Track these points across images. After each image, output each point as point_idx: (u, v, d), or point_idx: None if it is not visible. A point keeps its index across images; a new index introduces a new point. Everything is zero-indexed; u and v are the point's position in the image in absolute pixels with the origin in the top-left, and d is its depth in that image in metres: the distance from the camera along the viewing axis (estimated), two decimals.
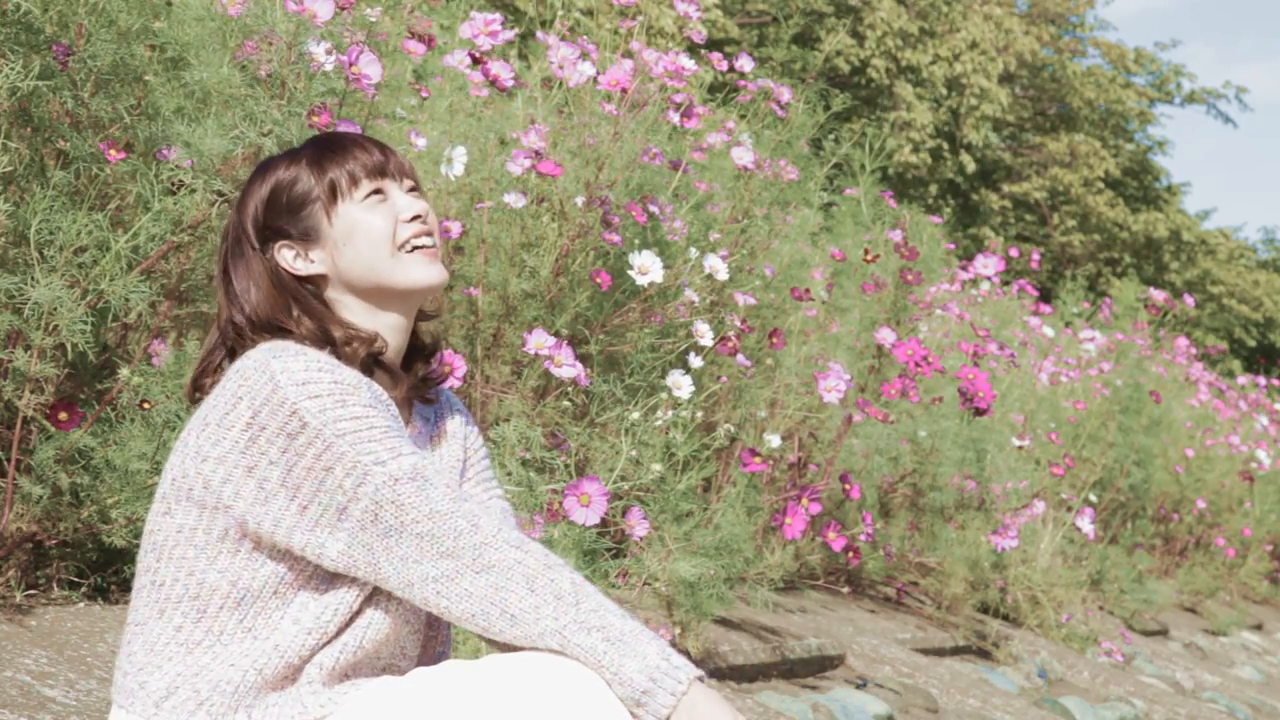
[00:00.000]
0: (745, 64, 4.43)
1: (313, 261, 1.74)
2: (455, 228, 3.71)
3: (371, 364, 1.72)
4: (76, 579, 3.02)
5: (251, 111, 3.00)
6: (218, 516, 1.63)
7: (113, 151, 2.90)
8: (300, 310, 1.72)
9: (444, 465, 1.83)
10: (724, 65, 4.45)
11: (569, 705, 1.51)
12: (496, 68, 3.74)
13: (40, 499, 2.83)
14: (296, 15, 2.99)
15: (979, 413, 4.87)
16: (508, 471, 3.22)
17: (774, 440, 4.16)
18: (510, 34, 3.78)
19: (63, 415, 2.81)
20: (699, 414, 3.61)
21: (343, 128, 3.07)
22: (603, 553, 3.36)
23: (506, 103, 4.52)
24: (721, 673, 3.93)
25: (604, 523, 3.12)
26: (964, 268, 8.38)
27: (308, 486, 1.59)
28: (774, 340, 4.37)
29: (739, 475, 3.94)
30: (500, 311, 4.00)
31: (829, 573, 5.73)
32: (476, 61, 3.86)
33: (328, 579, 1.65)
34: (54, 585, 2.99)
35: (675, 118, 4.05)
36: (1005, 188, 20.78)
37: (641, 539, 3.33)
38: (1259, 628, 9.91)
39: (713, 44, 14.80)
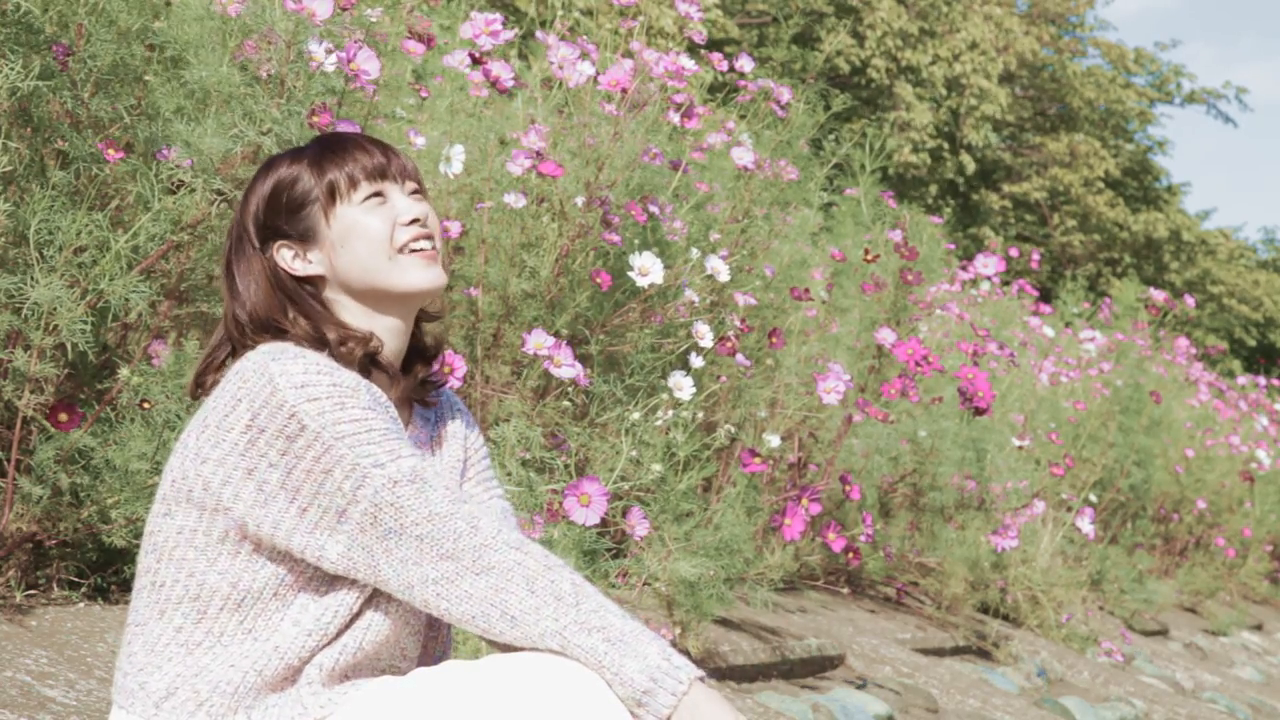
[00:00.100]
0: (745, 64, 4.43)
1: (310, 262, 1.74)
2: (455, 228, 3.71)
3: (369, 365, 1.72)
4: (76, 579, 3.02)
5: (251, 110, 3.00)
6: (218, 518, 1.63)
7: (112, 151, 2.90)
8: (296, 311, 1.72)
9: (444, 466, 1.83)
10: (724, 65, 4.44)
11: (569, 705, 1.51)
12: (497, 68, 3.74)
13: (40, 499, 2.83)
14: (295, 14, 2.99)
15: (979, 412, 4.87)
16: (508, 472, 3.22)
17: (774, 440, 4.16)
18: (510, 34, 3.78)
19: (63, 415, 2.81)
20: (699, 414, 3.61)
21: (342, 127, 3.07)
22: (603, 553, 3.36)
23: (506, 103, 4.52)
24: (721, 673, 3.93)
25: (604, 523, 3.12)
26: (964, 268, 8.38)
27: (307, 489, 1.59)
28: (774, 340, 4.37)
29: (739, 475, 3.94)
30: (500, 311, 4.00)
31: (829, 573, 5.73)
32: (476, 61, 3.86)
33: (328, 581, 1.65)
34: (54, 585, 2.99)
35: (675, 118, 4.05)
36: (1005, 188, 20.78)
37: (642, 539, 3.33)
38: (1259, 628, 9.91)
39: (713, 44, 14.80)
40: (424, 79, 4.93)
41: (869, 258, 5.17)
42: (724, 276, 3.92)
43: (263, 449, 1.60)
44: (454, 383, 3.04)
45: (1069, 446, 7.86)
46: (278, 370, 1.61)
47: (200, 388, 1.76)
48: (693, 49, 6.91)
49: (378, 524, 1.58)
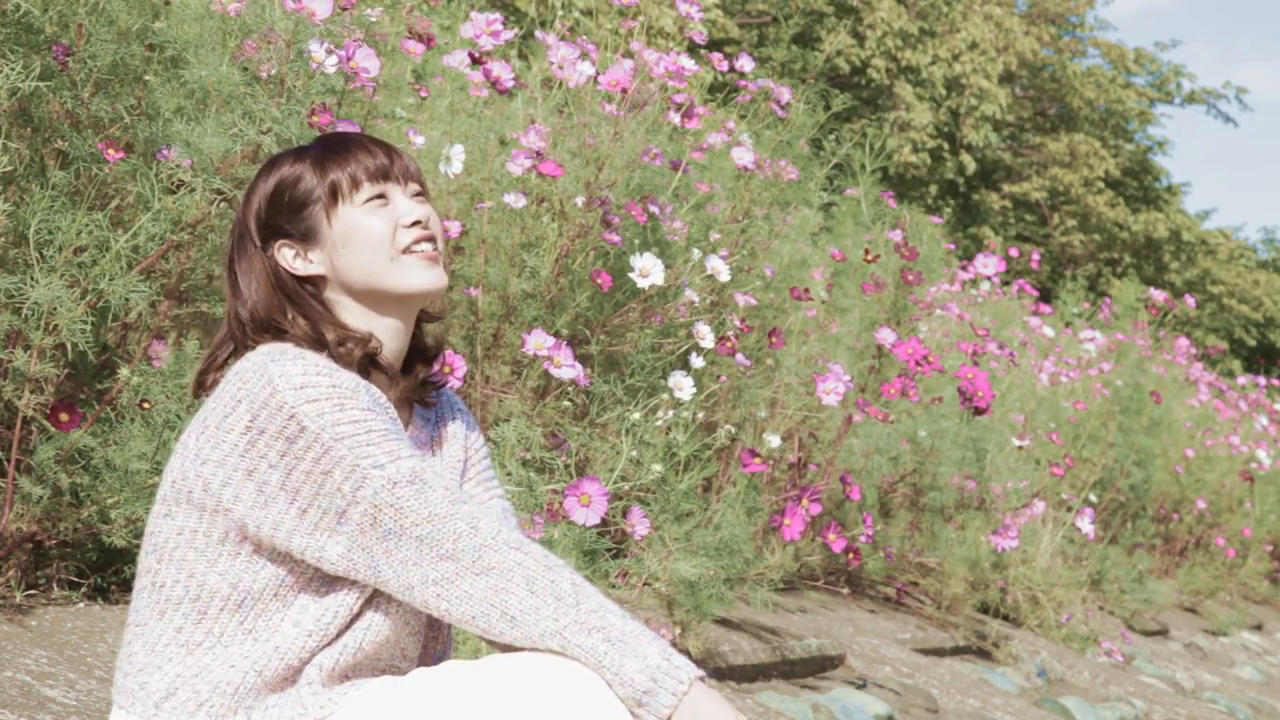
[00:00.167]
0: (745, 64, 4.43)
1: (311, 262, 1.73)
2: (455, 228, 3.71)
3: (368, 366, 1.72)
4: (76, 579, 3.02)
5: (250, 110, 3.00)
6: (218, 519, 1.63)
7: (112, 151, 2.90)
8: (296, 311, 1.71)
9: (445, 467, 1.83)
10: (724, 65, 4.44)
11: (569, 705, 1.51)
12: (497, 68, 3.74)
13: (40, 499, 2.83)
14: (295, 14, 2.99)
15: (978, 412, 4.87)
16: (508, 472, 3.22)
17: (774, 440, 4.16)
18: (510, 34, 3.78)
19: (63, 415, 2.81)
20: (699, 414, 3.61)
21: (342, 127, 3.06)
22: (603, 553, 3.36)
23: (506, 103, 4.52)
24: (722, 673, 3.93)
25: (604, 523, 3.12)
26: (964, 268, 8.38)
27: (307, 490, 1.59)
28: (774, 340, 4.37)
29: (739, 475, 3.94)
30: (500, 311, 4.00)
31: (829, 573, 5.73)
32: (476, 61, 3.86)
33: (328, 581, 1.65)
34: (54, 585, 2.99)
35: (676, 118, 4.05)
36: (1005, 188, 20.78)
37: (642, 539, 3.33)
38: (1259, 628, 9.91)
39: (713, 44, 14.80)
40: (424, 79, 4.93)
41: (869, 258, 5.17)
42: (724, 276, 3.92)
43: (262, 450, 1.60)
44: (454, 383, 3.04)
45: (1069, 446, 7.86)
46: (277, 372, 1.61)
47: (202, 386, 1.76)
48: (693, 49, 6.91)
49: (377, 525, 1.58)
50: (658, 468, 3.40)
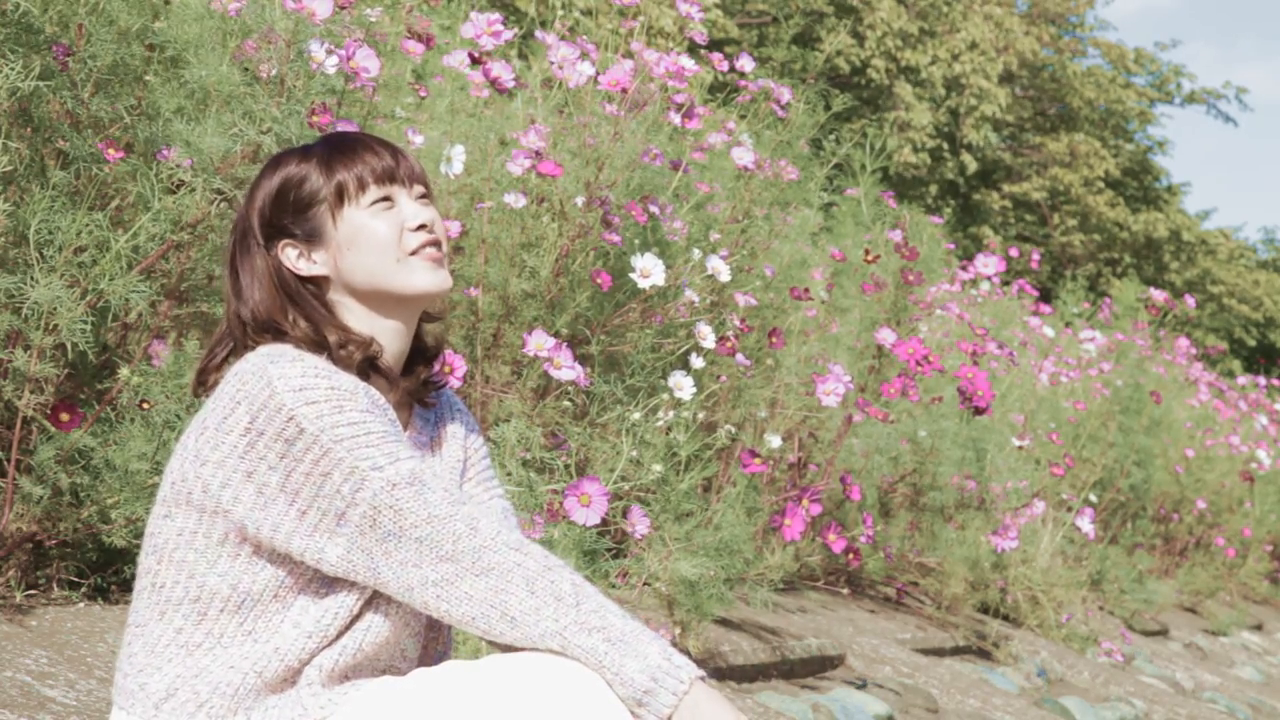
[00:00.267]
0: (746, 64, 4.43)
1: (315, 262, 1.73)
2: (455, 228, 3.71)
3: (368, 368, 1.72)
4: (76, 579, 3.02)
5: (251, 110, 3.00)
6: (217, 520, 1.63)
7: (112, 151, 2.90)
8: (297, 312, 1.71)
9: (444, 467, 1.83)
10: (724, 65, 4.44)
11: (569, 705, 1.51)
12: (497, 68, 3.74)
13: (40, 499, 2.83)
14: (295, 14, 2.99)
15: (978, 412, 4.87)
16: (508, 472, 3.22)
17: (774, 441, 4.16)
18: (510, 34, 3.78)
19: (63, 415, 2.81)
20: (699, 414, 3.60)
21: (342, 127, 3.06)
22: (603, 553, 3.36)
23: (506, 103, 4.51)
24: (722, 673, 3.93)
25: (604, 523, 3.12)
26: (964, 268, 8.38)
27: (306, 492, 1.59)
28: (774, 340, 4.37)
29: (739, 476, 3.94)
30: (500, 312, 4.00)
31: (829, 573, 5.73)
32: (476, 61, 3.86)
33: (327, 583, 1.65)
34: (54, 585, 2.99)
35: (676, 118, 4.05)
36: (1005, 188, 20.78)
37: (642, 539, 3.33)
38: (1259, 628, 9.91)
39: (713, 44, 14.80)
40: (424, 79, 4.93)
41: (869, 258, 5.17)
42: (724, 276, 3.92)
43: (261, 452, 1.59)
44: (454, 383, 3.04)
45: (1069, 446, 7.85)
46: (276, 373, 1.60)
47: (203, 385, 1.75)
48: (693, 49, 6.91)
49: (377, 527, 1.58)
50: (658, 468, 3.40)
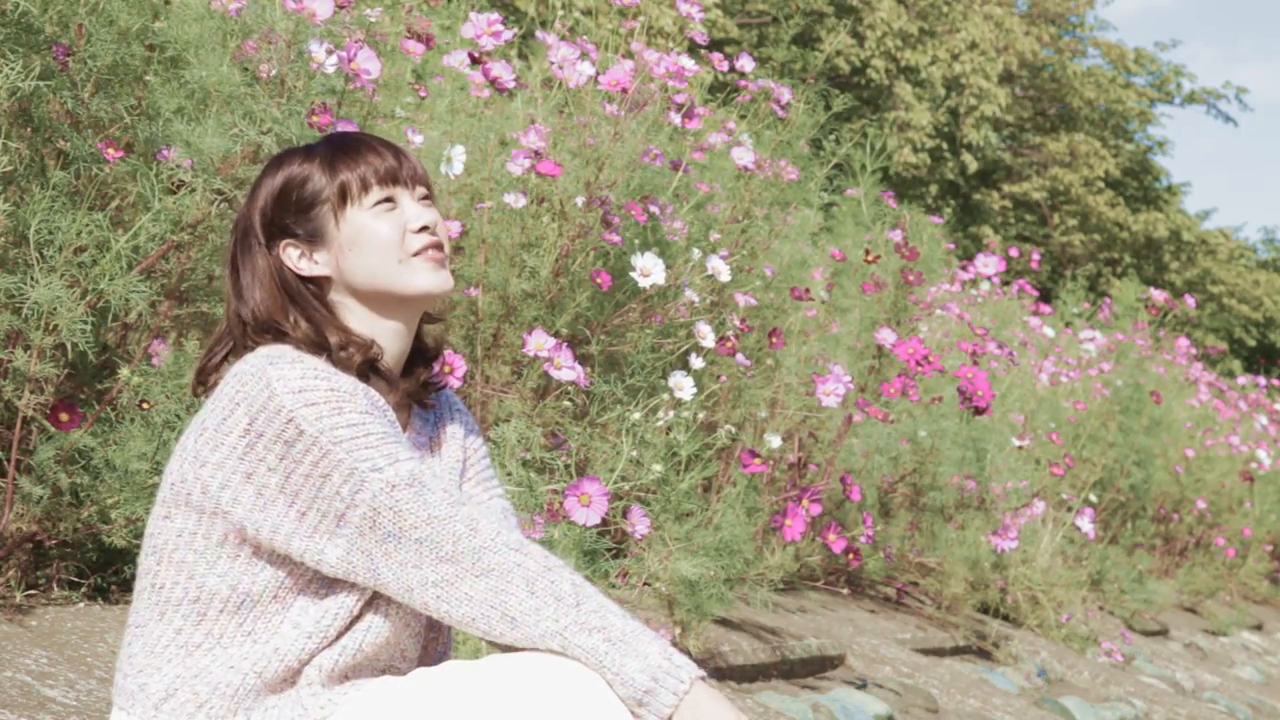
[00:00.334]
0: (746, 64, 4.43)
1: (316, 263, 1.73)
2: (455, 228, 3.71)
3: (367, 370, 1.72)
4: (76, 579, 3.02)
5: (251, 110, 3.00)
6: (216, 521, 1.63)
7: (112, 151, 2.90)
8: (298, 313, 1.71)
9: (443, 468, 1.83)
10: (724, 65, 4.44)
11: (570, 705, 1.51)
12: (497, 68, 3.74)
13: (40, 499, 2.83)
14: (296, 14, 2.99)
15: (978, 412, 4.87)
16: (508, 472, 3.22)
17: (774, 441, 4.16)
18: (510, 34, 3.78)
19: (63, 415, 2.81)
20: (700, 414, 3.60)
21: (342, 127, 3.06)
22: (603, 553, 3.36)
23: (506, 103, 4.51)
24: (722, 673, 3.93)
25: (604, 523, 3.12)
26: (964, 268, 8.38)
27: (306, 493, 1.59)
28: (774, 340, 4.37)
29: (739, 476, 3.94)
30: (500, 312, 4.00)
31: (829, 573, 5.73)
32: (476, 61, 3.86)
33: (327, 584, 1.65)
34: (54, 585, 2.99)
35: (676, 118, 4.05)
36: (1005, 188, 20.78)
37: (642, 539, 3.33)
38: (1259, 628, 9.91)
39: (713, 44, 14.79)
40: (424, 79, 4.93)
41: (869, 258, 5.17)
42: (724, 276, 3.92)
43: (261, 453, 1.59)
44: (454, 382, 3.04)
45: (1069, 446, 7.85)
46: (275, 375, 1.60)
47: (202, 385, 1.75)
48: (693, 49, 6.91)
49: (376, 528, 1.58)
50: (658, 468, 3.40)
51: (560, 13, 4.63)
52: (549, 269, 3.89)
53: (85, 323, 2.75)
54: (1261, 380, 13.27)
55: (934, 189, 19.18)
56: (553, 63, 3.97)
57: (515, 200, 3.83)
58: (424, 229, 1.73)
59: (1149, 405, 8.47)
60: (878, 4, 17.70)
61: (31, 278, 2.74)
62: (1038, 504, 6.05)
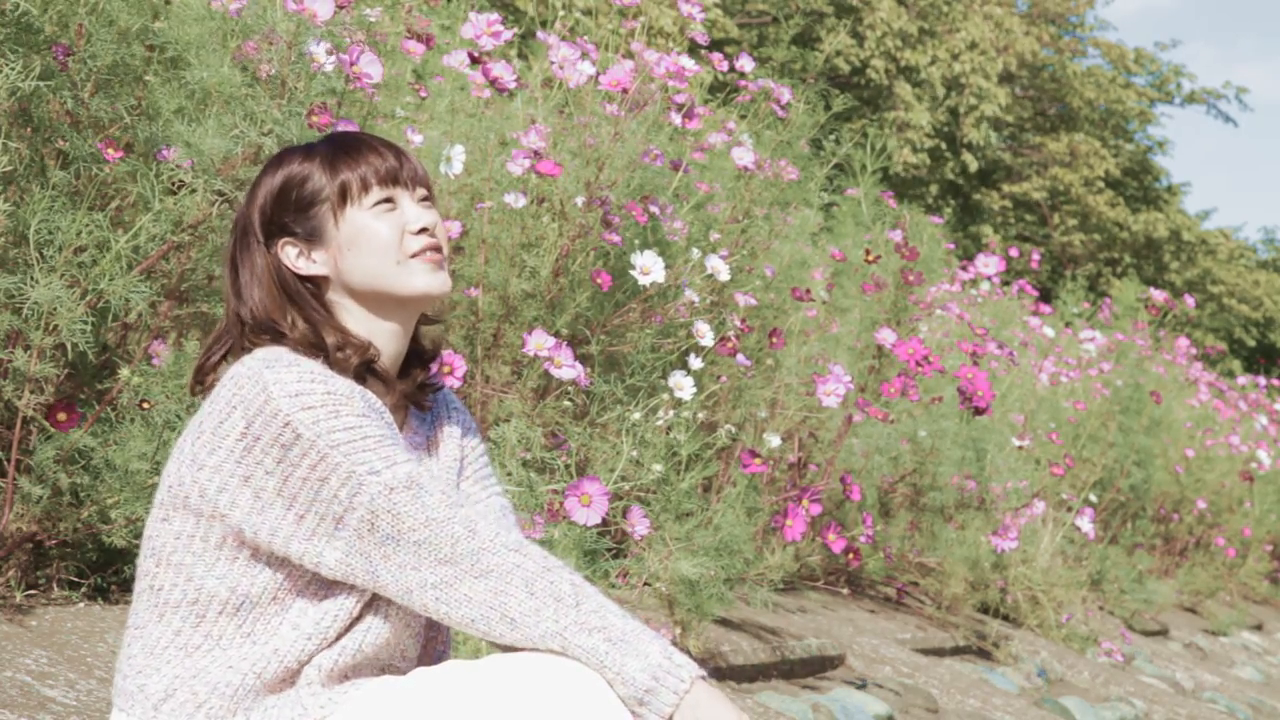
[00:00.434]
0: (746, 64, 4.43)
1: (315, 262, 1.73)
2: (455, 228, 3.71)
3: (364, 372, 1.71)
4: (76, 579, 3.02)
5: (251, 111, 2.99)
6: (215, 524, 1.62)
7: (112, 151, 2.90)
8: (296, 313, 1.71)
9: (441, 469, 1.82)
10: (724, 65, 4.44)
11: (570, 705, 1.51)
12: (497, 68, 3.74)
13: (40, 499, 2.83)
14: (296, 15, 2.99)
15: (978, 412, 4.87)
16: (508, 472, 3.22)
17: (774, 441, 4.16)
18: (510, 34, 3.78)
19: (62, 415, 2.81)
20: (700, 414, 3.61)
21: (342, 127, 3.06)
22: (603, 553, 3.36)
23: (507, 103, 4.51)
24: (722, 673, 3.93)
25: (604, 523, 3.12)
26: (964, 268, 8.38)
27: (304, 496, 1.59)
28: (774, 340, 4.37)
29: (739, 475, 3.94)
30: (500, 312, 4.00)
31: (829, 573, 5.73)
32: (476, 61, 3.86)
33: (326, 585, 1.65)
34: (54, 585, 2.99)
35: (676, 118, 4.05)
36: (1005, 188, 20.78)
37: (642, 539, 3.33)
38: (1259, 628, 9.91)
39: (713, 44, 14.79)
40: (424, 79, 4.93)
41: (869, 258, 5.17)
42: (724, 276, 3.92)
43: (258, 456, 1.59)
44: (454, 382, 3.04)
45: (1069, 446, 7.85)
46: (272, 378, 1.60)
47: (200, 385, 1.75)
48: (693, 49, 6.91)
49: (375, 530, 1.58)
50: (658, 467, 3.40)
51: (560, 13, 4.63)
52: (549, 269, 3.89)
53: (85, 323, 2.76)
54: (1261, 380, 13.27)
55: (934, 189, 19.18)
56: (553, 63, 3.97)
57: (515, 200, 3.83)
58: (423, 230, 1.73)
59: (1149, 405, 8.47)
60: (878, 4, 17.70)
61: (31, 278, 2.74)
62: (1038, 504, 6.05)
